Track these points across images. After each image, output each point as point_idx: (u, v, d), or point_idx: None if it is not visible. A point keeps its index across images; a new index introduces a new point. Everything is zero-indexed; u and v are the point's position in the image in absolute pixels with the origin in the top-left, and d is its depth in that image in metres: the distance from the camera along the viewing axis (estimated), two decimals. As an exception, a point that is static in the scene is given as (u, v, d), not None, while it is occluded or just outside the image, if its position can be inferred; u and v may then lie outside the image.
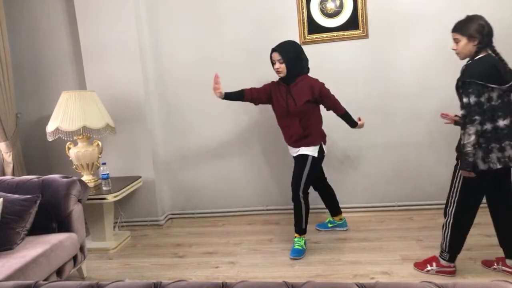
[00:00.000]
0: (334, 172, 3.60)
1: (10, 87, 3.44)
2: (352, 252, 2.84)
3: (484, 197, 2.34)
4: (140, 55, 3.48)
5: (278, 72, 2.80)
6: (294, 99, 2.78)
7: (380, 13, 3.33)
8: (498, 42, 3.24)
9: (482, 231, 2.89)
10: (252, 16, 3.48)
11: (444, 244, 2.39)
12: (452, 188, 2.31)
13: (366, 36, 3.37)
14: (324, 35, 3.41)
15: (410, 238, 2.96)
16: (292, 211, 2.94)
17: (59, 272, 2.41)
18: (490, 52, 2.21)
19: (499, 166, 2.14)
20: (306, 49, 3.49)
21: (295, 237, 2.92)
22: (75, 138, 3.19)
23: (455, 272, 2.41)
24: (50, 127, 3.14)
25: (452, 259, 2.39)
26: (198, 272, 2.75)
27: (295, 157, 2.91)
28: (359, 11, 3.33)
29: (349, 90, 3.46)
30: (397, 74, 3.40)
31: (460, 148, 2.21)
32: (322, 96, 2.84)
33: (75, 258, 2.56)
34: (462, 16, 3.24)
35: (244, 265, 2.80)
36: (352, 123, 2.98)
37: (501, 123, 2.13)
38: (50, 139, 3.16)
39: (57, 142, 3.29)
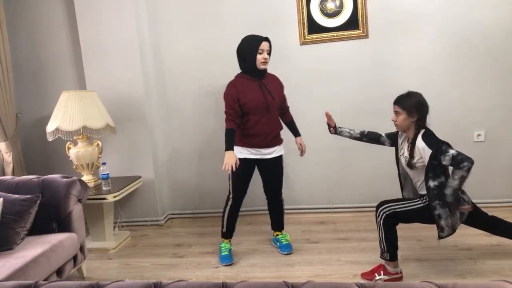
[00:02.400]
0: (334, 172, 3.60)
1: (10, 87, 3.44)
2: (352, 252, 2.84)
3: None
4: (140, 55, 3.48)
5: (264, 63, 2.66)
6: (271, 92, 2.71)
7: (380, 13, 3.33)
8: (496, 42, 3.26)
9: (482, 231, 2.88)
10: (252, 16, 3.48)
11: (382, 245, 2.39)
12: (401, 202, 2.39)
13: (366, 36, 3.37)
14: (324, 35, 3.41)
15: (410, 238, 2.96)
16: (292, 211, 2.96)
17: (59, 272, 2.41)
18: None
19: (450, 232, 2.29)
20: (306, 49, 3.52)
21: (279, 234, 3.01)
22: (75, 138, 3.19)
23: (402, 278, 2.41)
24: (50, 127, 3.14)
25: (393, 257, 2.38)
26: (198, 272, 2.75)
27: (272, 159, 2.80)
28: (359, 11, 3.33)
29: (349, 90, 3.46)
30: (397, 74, 3.40)
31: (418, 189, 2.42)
32: (284, 96, 2.86)
33: (75, 258, 2.56)
34: (461, 15, 3.27)
35: (244, 265, 2.80)
36: (296, 133, 2.97)
37: (431, 183, 2.25)
38: (50, 139, 3.16)
39: (57, 142, 3.29)
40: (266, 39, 2.69)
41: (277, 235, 3.04)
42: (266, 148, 2.77)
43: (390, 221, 2.35)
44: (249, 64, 2.67)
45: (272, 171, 2.87)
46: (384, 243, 2.37)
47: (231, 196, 2.85)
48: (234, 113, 2.66)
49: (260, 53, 2.65)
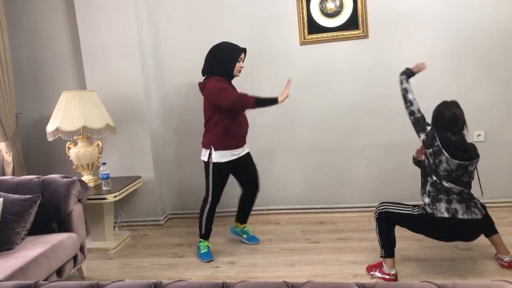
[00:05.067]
0: (334, 172, 3.60)
1: (10, 87, 3.43)
2: (352, 252, 2.84)
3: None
4: (140, 55, 3.48)
5: (239, 71, 2.83)
6: None
7: (380, 13, 3.33)
8: (496, 42, 3.26)
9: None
10: (252, 16, 3.48)
11: (379, 241, 2.45)
12: (399, 205, 2.42)
13: (366, 36, 3.37)
14: (324, 35, 3.41)
15: (410, 238, 2.96)
16: (292, 211, 2.96)
17: (59, 272, 2.41)
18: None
19: (446, 215, 2.25)
20: (306, 49, 3.52)
21: (245, 226, 3.16)
22: (75, 138, 3.19)
23: (395, 280, 2.40)
24: (50, 127, 3.14)
25: (388, 253, 2.41)
26: (198, 272, 2.75)
27: (245, 156, 2.95)
28: (359, 11, 3.33)
29: (349, 90, 3.46)
30: (397, 74, 3.39)
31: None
32: None
33: (75, 258, 2.56)
34: (461, 15, 3.27)
35: (244, 265, 2.80)
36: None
37: (445, 184, 2.27)
38: (50, 139, 3.16)
39: (57, 142, 3.29)
40: (245, 50, 2.85)
41: (244, 227, 3.15)
42: (238, 149, 2.90)
43: (382, 216, 2.40)
44: (226, 70, 2.78)
45: (249, 163, 3.02)
46: (378, 238, 2.43)
47: (209, 199, 2.90)
48: (240, 94, 2.70)
49: (239, 62, 2.80)
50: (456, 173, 2.24)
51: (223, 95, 2.67)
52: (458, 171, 2.23)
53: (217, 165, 2.82)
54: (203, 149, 2.87)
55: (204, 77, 2.86)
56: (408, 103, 2.42)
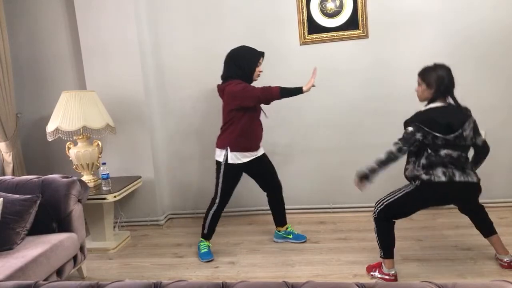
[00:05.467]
0: (334, 172, 3.60)
1: (10, 87, 3.44)
2: (352, 252, 2.84)
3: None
4: (140, 55, 3.48)
5: (259, 75, 2.85)
6: None
7: (380, 13, 3.33)
8: (497, 42, 3.26)
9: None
10: (252, 16, 3.48)
11: (378, 242, 2.46)
12: (391, 195, 2.41)
13: (366, 36, 3.37)
14: (324, 35, 3.41)
15: (410, 238, 2.96)
16: (292, 211, 2.96)
17: (59, 272, 2.41)
18: (450, 100, 2.34)
19: (443, 179, 2.25)
20: (306, 49, 3.52)
21: (286, 229, 3.11)
22: (75, 138, 3.19)
23: (395, 281, 2.40)
24: (50, 127, 3.14)
25: (388, 254, 2.41)
26: (198, 272, 2.75)
27: (261, 157, 2.96)
28: (359, 11, 3.33)
29: (349, 90, 3.46)
30: (397, 74, 3.40)
31: (406, 173, 2.42)
32: None
33: (75, 258, 2.56)
34: (461, 15, 3.27)
35: (244, 265, 2.80)
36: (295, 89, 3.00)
37: (442, 152, 2.27)
38: (50, 139, 3.16)
39: (57, 142, 3.29)
40: (263, 54, 2.85)
41: (287, 228, 3.12)
42: (254, 152, 2.91)
43: (381, 214, 2.40)
44: (246, 74, 2.78)
45: (266, 164, 3.01)
46: (377, 238, 2.44)
47: (217, 200, 2.90)
48: (262, 87, 2.68)
49: (258, 66, 2.81)
50: (453, 142, 2.26)
51: (248, 92, 2.70)
52: (455, 140, 2.26)
53: (231, 166, 2.82)
54: (218, 150, 2.87)
55: (223, 81, 2.87)
56: (394, 157, 2.35)
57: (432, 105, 2.33)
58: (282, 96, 2.66)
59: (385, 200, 2.42)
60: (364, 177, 2.40)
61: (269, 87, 2.68)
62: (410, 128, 2.29)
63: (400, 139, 2.32)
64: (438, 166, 2.27)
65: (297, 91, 2.67)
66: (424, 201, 2.38)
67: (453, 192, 2.32)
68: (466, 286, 1.09)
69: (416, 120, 2.29)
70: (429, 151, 2.29)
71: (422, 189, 2.32)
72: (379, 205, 2.43)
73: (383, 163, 2.34)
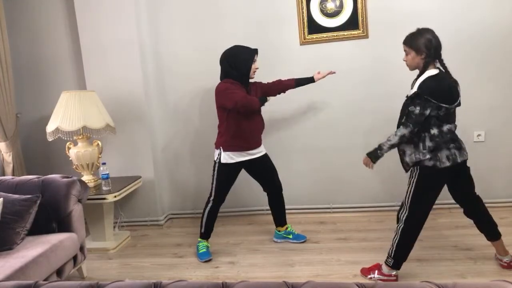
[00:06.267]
0: (334, 172, 3.60)
1: (10, 87, 3.43)
2: (352, 252, 2.84)
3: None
4: (140, 55, 3.48)
5: (255, 72, 2.83)
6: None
7: (380, 13, 3.32)
8: (497, 42, 3.26)
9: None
10: (252, 16, 3.48)
11: (391, 250, 2.37)
12: (406, 194, 2.34)
13: (366, 36, 3.37)
14: (324, 35, 3.41)
15: (410, 238, 2.96)
16: (292, 211, 2.96)
17: (59, 272, 2.41)
18: (439, 66, 2.30)
19: (447, 164, 2.22)
20: (306, 49, 3.52)
21: (286, 228, 3.08)
22: (75, 138, 3.19)
23: (395, 281, 2.39)
24: (50, 127, 3.14)
25: (396, 265, 2.37)
26: (198, 272, 2.76)
27: (262, 157, 2.94)
28: (359, 11, 3.33)
29: (349, 90, 3.46)
30: (397, 74, 3.39)
31: (406, 158, 2.33)
32: (263, 87, 3.03)
33: (75, 258, 2.56)
34: (461, 15, 3.27)
35: (244, 265, 2.80)
36: (307, 79, 3.07)
37: (445, 128, 2.24)
38: (50, 139, 3.16)
39: (57, 142, 3.28)
40: (257, 51, 2.83)
41: (287, 228, 3.12)
42: (254, 148, 2.88)
43: (413, 221, 2.32)
44: (242, 73, 2.77)
45: (265, 164, 2.99)
46: (394, 249, 2.35)
47: (212, 198, 2.92)
48: (245, 95, 2.71)
49: (253, 63, 2.80)
50: (453, 112, 2.28)
51: (229, 94, 2.70)
52: (454, 110, 2.28)
53: (223, 166, 2.83)
54: (215, 150, 2.90)
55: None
56: (406, 139, 2.28)
57: (429, 73, 2.24)
58: (259, 107, 2.77)
59: (405, 202, 2.32)
60: (375, 158, 2.39)
61: (252, 98, 2.72)
62: (417, 109, 2.18)
63: (409, 122, 2.22)
64: (443, 149, 2.21)
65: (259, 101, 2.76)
66: (431, 188, 2.30)
67: (453, 173, 2.30)
68: (466, 286, 1.09)
69: (424, 93, 2.17)
70: (433, 130, 2.22)
71: (428, 176, 2.25)
72: (403, 213, 2.34)
73: (394, 146, 2.32)
